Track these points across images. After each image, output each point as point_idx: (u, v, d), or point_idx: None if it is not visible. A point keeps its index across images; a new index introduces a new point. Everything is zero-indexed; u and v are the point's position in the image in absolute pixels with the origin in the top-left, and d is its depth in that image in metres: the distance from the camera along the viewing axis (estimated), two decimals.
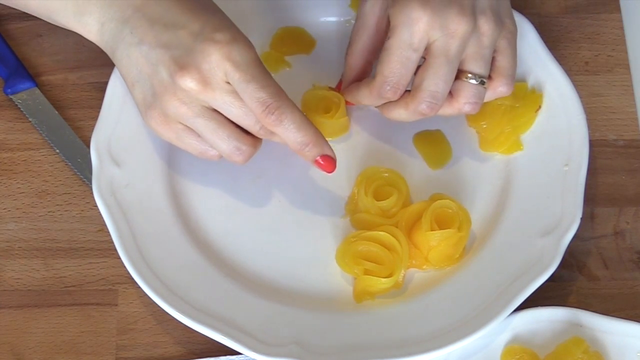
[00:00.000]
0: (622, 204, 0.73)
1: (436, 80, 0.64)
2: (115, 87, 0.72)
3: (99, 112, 0.71)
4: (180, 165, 0.72)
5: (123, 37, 0.63)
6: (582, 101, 0.72)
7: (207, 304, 0.65)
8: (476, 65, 0.65)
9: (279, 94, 0.63)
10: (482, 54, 0.65)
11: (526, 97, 0.73)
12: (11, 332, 0.69)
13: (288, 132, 0.63)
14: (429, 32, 0.63)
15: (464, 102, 0.66)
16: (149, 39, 0.62)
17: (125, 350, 0.68)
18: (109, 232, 0.67)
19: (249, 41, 0.63)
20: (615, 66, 0.78)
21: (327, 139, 0.73)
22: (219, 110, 0.63)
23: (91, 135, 0.70)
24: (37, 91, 0.77)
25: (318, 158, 0.65)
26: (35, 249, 0.71)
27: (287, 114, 0.63)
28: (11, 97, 0.76)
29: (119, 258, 0.66)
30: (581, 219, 0.67)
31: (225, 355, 0.67)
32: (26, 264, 0.71)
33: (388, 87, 0.65)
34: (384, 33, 0.67)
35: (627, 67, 0.78)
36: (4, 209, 0.73)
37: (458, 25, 0.63)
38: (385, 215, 0.70)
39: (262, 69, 0.63)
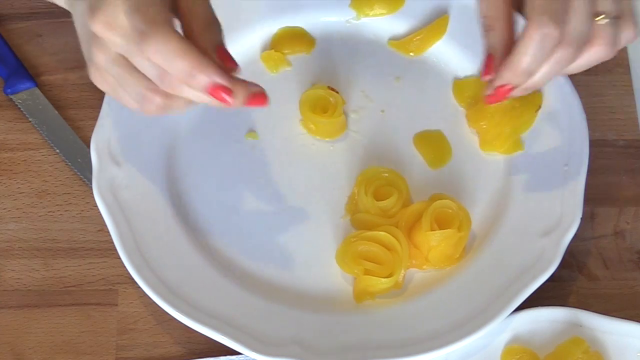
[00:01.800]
0: (622, 204, 0.73)
1: (580, 17, 0.58)
2: None
3: (99, 112, 0.71)
4: (180, 165, 0.72)
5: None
6: (582, 101, 0.72)
7: (207, 304, 0.65)
8: (606, 4, 0.59)
9: (154, 22, 0.56)
10: None
11: (526, 97, 0.72)
12: (11, 332, 0.69)
13: (168, 63, 0.56)
14: None
15: (602, 44, 0.59)
16: None
17: (125, 350, 0.68)
18: (109, 232, 0.67)
19: None
20: (615, 66, 0.78)
21: (326, 139, 0.74)
22: (123, 55, 0.58)
23: (91, 135, 0.70)
24: (37, 91, 0.77)
25: (212, 89, 0.57)
26: (35, 249, 0.71)
27: (159, 39, 0.55)
28: (11, 97, 0.76)
29: (119, 258, 0.66)
30: (581, 219, 0.67)
31: (225, 355, 0.67)
32: (26, 264, 0.71)
33: (551, 26, 0.57)
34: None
35: (627, 67, 0.78)
36: (4, 209, 0.73)
37: None
38: (385, 215, 0.70)
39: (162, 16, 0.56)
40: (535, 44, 0.57)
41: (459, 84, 0.76)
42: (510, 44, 0.60)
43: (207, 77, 0.56)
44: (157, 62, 0.56)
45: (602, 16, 0.59)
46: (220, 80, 0.56)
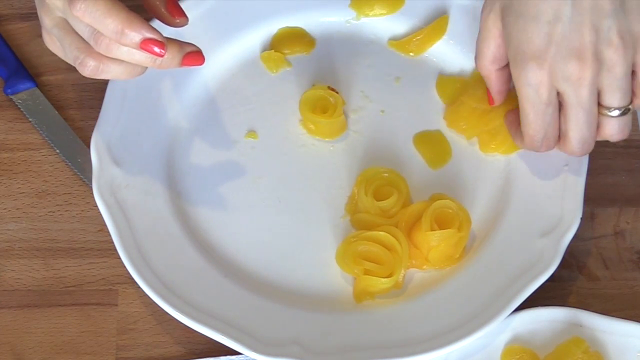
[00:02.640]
0: (622, 204, 0.73)
1: (579, 127, 0.63)
2: (115, 87, 0.72)
3: (99, 112, 0.71)
4: (180, 165, 0.72)
5: None
6: None
7: (207, 304, 0.65)
8: (614, 99, 0.62)
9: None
10: (618, 85, 0.61)
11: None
12: (11, 332, 0.69)
13: (98, 23, 0.58)
14: (555, 85, 0.62)
15: (611, 135, 0.64)
16: None
17: (125, 350, 0.68)
18: (109, 232, 0.67)
19: None
20: None
21: (326, 139, 0.74)
22: (64, 17, 0.60)
23: (91, 135, 0.70)
24: (37, 91, 0.77)
25: (143, 42, 0.58)
26: (35, 249, 0.71)
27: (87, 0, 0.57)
28: (11, 97, 0.76)
29: (119, 258, 0.66)
30: (581, 219, 0.67)
31: (225, 355, 0.67)
32: (26, 264, 0.71)
33: (539, 143, 0.65)
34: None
35: None
36: (4, 209, 0.73)
37: (582, 74, 0.60)
38: (385, 215, 0.70)
39: None
40: (525, 147, 0.66)
41: (442, 81, 0.76)
42: (504, 86, 0.69)
43: (138, 33, 0.57)
44: (88, 22, 0.58)
45: (609, 109, 0.62)
46: (150, 35, 0.58)
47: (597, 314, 0.66)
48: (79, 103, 0.77)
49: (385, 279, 0.66)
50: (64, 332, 0.69)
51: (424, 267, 0.69)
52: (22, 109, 0.76)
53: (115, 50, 0.59)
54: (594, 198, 0.72)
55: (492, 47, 0.66)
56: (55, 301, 0.69)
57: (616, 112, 0.62)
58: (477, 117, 0.73)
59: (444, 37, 0.77)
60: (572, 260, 0.71)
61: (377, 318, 0.66)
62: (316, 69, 0.77)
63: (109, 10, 0.57)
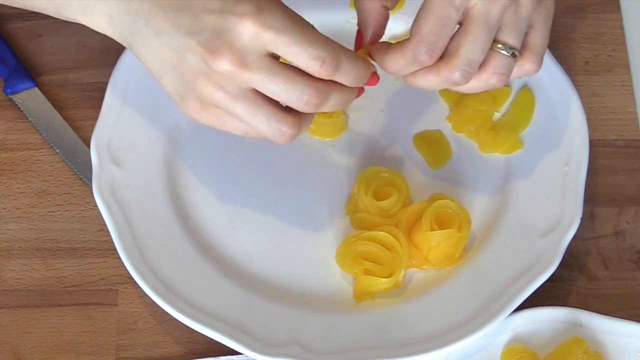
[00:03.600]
0: (622, 204, 0.73)
1: (474, 47, 0.60)
2: (115, 87, 0.72)
3: (99, 112, 0.71)
4: (180, 165, 0.72)
5: (138, 30, 0.59)
6: (582, 101, 0.72)
7: (207, 304, 0.65)
8: (510, 36, 0.60)
9: (329, 44, 0.58)
10: (518, 25, 0.60)
11: (496, 98, 0.73)
12: (11, 332, 0.69)
13: (347, 76, 0.59)
14: None
15: (492, 73, 0.61)
16: (167, 27, 0.58)
17: (125, 350, 0.68)
18: (109, 232, 0.67)
19: (275, 0, 0.58)
20: (615, 66, 0.78)
21: (326, 139, 0.74)
22: (259, 89, 0.59)
23: (91, 135, 0.70)
24: (37, 91, 0.77)
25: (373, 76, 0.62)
26: (35, 249, 0.71)
27: (343, 60, 0.59)
28: (11, 97, 0.76)
29: (119, 258, 0.66)
30: (581, 219, 0.67)
31: (225, 355, 0.67)
32: (26, 264, 0.71)
33: (425, 49, 0.59)
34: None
35: (627, 67, 0.78)
36: (4, 209, 0.73)
37: None
38: (385, 215, 0.70)
39: (301, 24, 0.58)
40: (404, 61, 0.60)
41: None
42: (378, 29, 0.65)
43: (369, 72, 0.61)
44: (335, 78, 0.59)
45: (500, 46, 0.61)
46: (373, 69, 0.62)
47: (597, 314, 0.66)
48: (79, 103, 0.77)
49: (385, 279, 0.66)
50: (64, 332, 0.69)
51: (424, 267, 0.69)
52: (22, 109, 0.76)
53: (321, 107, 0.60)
54: (594, 198, 0.72)
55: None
56: (55, 301, 0.69)
57: (505, 52, 0.61)
58: (483, 119, 0.73)
59: None
60: (572, 260, 0.71)
61: (377, 318, 0.66)
62: None
63: (357, 62, 0.60)
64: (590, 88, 0.77)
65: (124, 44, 0.61)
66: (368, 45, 0.64)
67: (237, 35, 0.57)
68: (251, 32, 0.57)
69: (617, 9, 0.81)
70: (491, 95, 0.73)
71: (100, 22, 0.61)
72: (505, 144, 0.72)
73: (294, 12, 0.58)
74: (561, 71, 0.73)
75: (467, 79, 0.60)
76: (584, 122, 0.71)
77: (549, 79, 0.73)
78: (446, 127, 0.74)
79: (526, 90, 0.74)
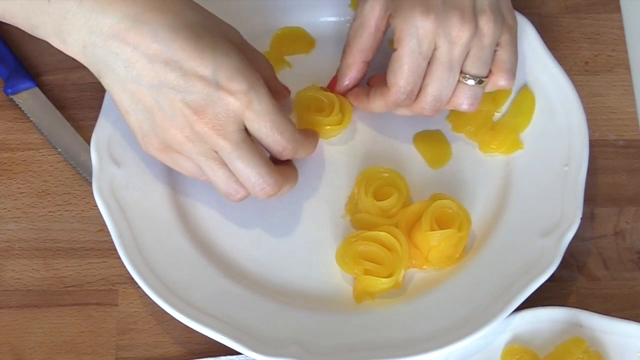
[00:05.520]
0: (622, 204, 0.73)
1: (440, 85, 0.66)
2: None
3: (99, 112, 0.71)
4: None
5: (114, 69, 0.61)
6: (582, 101, 0.72)
7: (207, 304, 0.65)
8: (474, 67, 0.66)
9: (293, 136, 0.65)
10: (482, 55, 0.66)
11: (496, 99, 0.73)
12: (11, 332, 0.69)
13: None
14: (435, 38, 0.64)
15: (461, 103, 0.67)
16: (150, 77, 0.60)
17: (125, 350, 0.68)
18: (109, 232, 0.67)
19: (258, 76, 0.63)
20: (615, 66, 0.78)
21: (329, 139, 0.74)
22: (224, 158, 0.63)
23: (91, 135, 0.70)
24: (38, 91, 0.77)
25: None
26: (35, 249, 0.71)
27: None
28: (12, 97, 0.76)
29: (119, 258, 0.66)
30: (581, 219, 0.67)
31: (225, 355, 0.67)
32: (26, 264, 0.71)
33: (404, 96, 0.67)
34: (382, 34, 0.69)
35: (627, 67, 0.78)
36: (4, 209, 0.73)
37: (460, 32, 0.64)
38: (385, 215, 0.70)
39: (279, 112, 0.63)
40: (385, 106, 0.69)
41: None
42: (355, 79, 0.72)
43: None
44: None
45: (468, 76, 0.66)
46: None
47: (597, 314, 0.66)
48: (79, 103, 0.77)
49: (385, 279, 0.66)
50: (64, 332, 0.69)
51: (424, 267, 0.69)
52: (23, 109, 0.76)
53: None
54: (594, 198, 0.72)
55: (365, 36, 0.69)
56: (55, 301, 0.69)
57: (472, 81, 0.67)
58: (483, 120, 0.73)
59: None
60: (572, 260, 0.71)
61: (377, 318, 0.66)
62: (316, 69, 0.76)
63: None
64: (590, 88, 0.77)
65: (92, 71, 0.63)
66: (348, 93, 0.72)
67: (225, 107, 0.61)
68: (237, 108, 0.61)
69: (617, 9, 0.81)
70: (491, 96, 0.73)
71: (72, 49, 0.62)
72: (505, 144, 0.72)
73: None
74: (561, 71, 0.73)
75: (436, 111, 0.68)
76: (584, 122, 0.71)
77: (549, 79, 0.73)
78: (446, 127, 0.74)
79: (526, 90, 0.74)
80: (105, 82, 0.62)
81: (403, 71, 0.66)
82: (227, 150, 0.62)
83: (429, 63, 0.66)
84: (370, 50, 0.70)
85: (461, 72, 0.66)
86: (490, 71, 0.67)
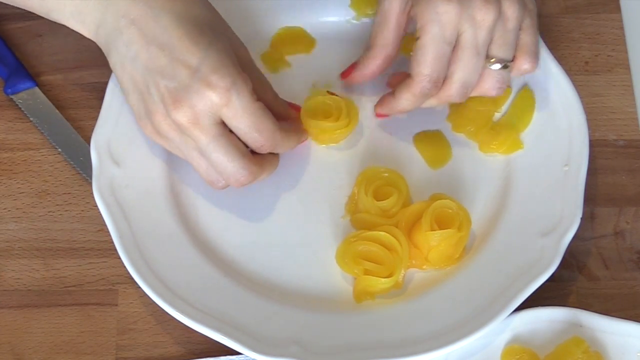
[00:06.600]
0: (622, 204, 0.73)
1: (467, 71, 0.65)
2: (115, 87, 0.72)
3: (99, 112, 0.71)
4: (180, 165, 0.72)
5: (117, 47, 0.63)
6: (582, 101, 0.72)
7: (207, 304, 0.65)
8: (501, 50, 0.65)
9: (273, 135, 0.65)
10: (507, 39, 0.65)
11: (496, 99, 0.73)
12: (11, 332, 0.69)
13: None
14: (458, 24, 0.63)
15: (490, 87, 0.67)
16: (144, 58, 0.62)
17: (125, 350, 0.68)
18: (109, 232, 0.67)
19: (247, 78, 0.63)
20: (615, 66, 0.78)
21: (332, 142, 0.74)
22: (201, 151, 0.64)
23: (91, 135, 0.70)
24: (38, 91, 0.77)
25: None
26: (35, 249, 0.71)
27: (279, 144, 0.66)
28: (11, 97, 0.76)
29: (119, 258, 0.66)
30: (581, 219, 0.67)
31: (225, 355, 0.67)
32: (26, 264, 0.71)
33: (430, 85, 0.65)
34: (403, 29, 0.69)
35: (627, 67, 0.78)
36: (4, 209, 0.73)
37: (485, 15, 0.63)
38: (385, 215, 0.70)
39: (259, 112, 0.63)
40: (414, 99, 0.66)
41: None
42: (374, 74, 0.71)
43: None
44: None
45: (493, 60, 0.65)
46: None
47: (597, 314, 0.66)
48: (79, 103, 0.77)
49: (385, 279, 0.66)
50: (64, 332, 0.69)
51: (424, 267, 0.69)
52: (23, 109, 0.76)
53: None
54: (594, 198, 0.72)
55: (386, 32, 0.68)
56: (55, 301, 0.69)
57: (497, 66, 0.66)
58: (483, 120, 0.73)
59: None
60: (572, 260, 0.71)
61: (377, 318, 0.66)
62: (316, 69, 0.76)
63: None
64: (590, 88, 0.77)
65: (104, 51, 0.65)
66: (376, 105, 0.71)
67: (201, 99, 0.61)
68: (214, 102, 0.61)
69: (617, 9, 0.81)
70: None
71: (89, 29, 0.64)
72: (505, 144, 0.72)
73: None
74: (561, 71, 0.73)
75: (464, 97, 0.66)
76: (584, 122, 0.71)
77: (549, 79, 0.73)
78: (446, 127, 0.74)
79: (526, 90, 0.74)
80: (111, 62, 0.65)
81: (427, 59, 0.64)
82: (202, 143, 0.63)
83: (453, 49, 0.65)
84: (392, 46, 0.69)
85: (488, 56, 0.65)
86: (514, 56, 0.67)
